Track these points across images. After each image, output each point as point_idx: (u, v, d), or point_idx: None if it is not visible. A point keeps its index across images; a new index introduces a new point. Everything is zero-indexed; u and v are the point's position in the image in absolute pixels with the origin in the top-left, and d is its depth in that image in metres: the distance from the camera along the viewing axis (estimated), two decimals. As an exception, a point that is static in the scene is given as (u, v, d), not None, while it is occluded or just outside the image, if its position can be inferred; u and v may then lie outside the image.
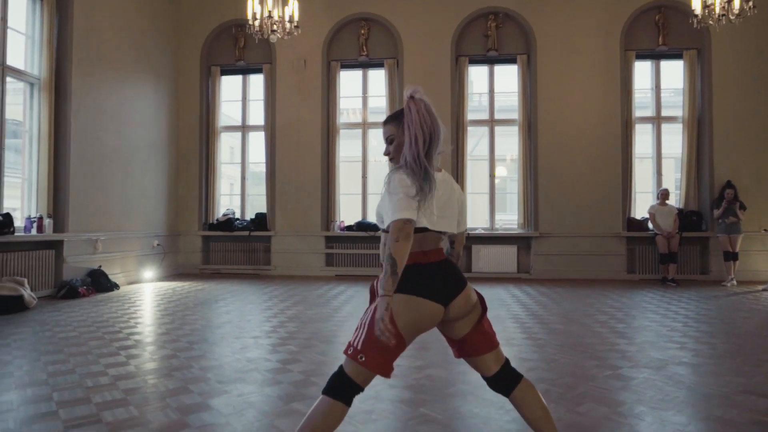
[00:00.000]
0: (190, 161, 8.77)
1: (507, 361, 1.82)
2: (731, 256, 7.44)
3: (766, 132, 7.82)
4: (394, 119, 1.83)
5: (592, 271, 8.03)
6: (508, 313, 5.08)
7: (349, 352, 1.67)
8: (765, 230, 7.68)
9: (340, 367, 1.69)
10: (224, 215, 8.79)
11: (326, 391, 1.67)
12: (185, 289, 6.73)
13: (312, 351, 3.58)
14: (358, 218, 8.67)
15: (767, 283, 6.95)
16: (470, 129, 8.56)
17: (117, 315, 4.92)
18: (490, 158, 8.60)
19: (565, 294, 6.38)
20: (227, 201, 9.53)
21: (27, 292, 5.26)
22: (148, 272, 7.71)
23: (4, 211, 5.58)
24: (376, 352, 1.63)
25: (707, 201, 7.92)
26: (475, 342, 1.78)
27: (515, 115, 8.46)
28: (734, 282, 7.34)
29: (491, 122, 8.59)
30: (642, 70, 8.42)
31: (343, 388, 1.66)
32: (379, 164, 9.02)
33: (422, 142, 1.71)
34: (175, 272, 8.54)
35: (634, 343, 3.80)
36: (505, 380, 1.78)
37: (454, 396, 2.64)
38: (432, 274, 1.70)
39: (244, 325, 4.47)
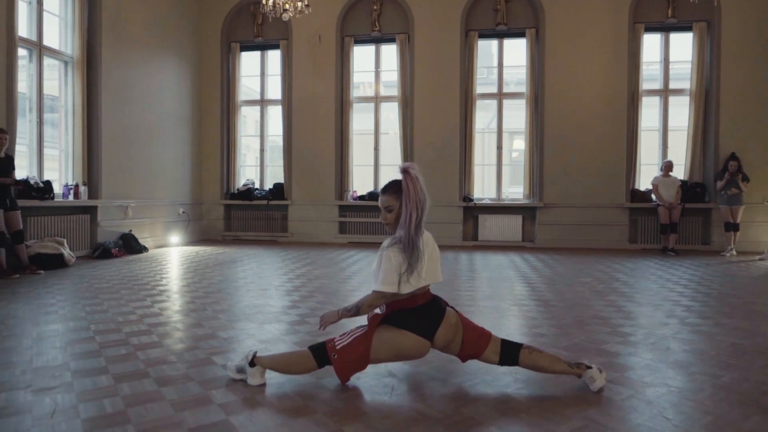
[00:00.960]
0: (212, 134, 9.29)
1: (503, 341, 2.21)
2: (732, 227, 7.60)
3: (773, 104, 7.85)
4: (394, 192, 2.15)
5: (594, 241, 8.30)
6: (515, 274, 5.46)
7: (329, 345, 2.16)
8: (767, 203, 7.79)
9: (328, 341, 2.17)
10: (244, 185, 9.32)
11: (311, 347, 2.20)
12: (207, 253, 7.31)
13: (311, 300, 4.06)
14: (370, 188, 9.09)
15: (764, 252, 7.13)
16: (479, 102, 8.80)
17: (145, 272, 5.50)
18: (498, 131, 8.85)
19: (566, 260, 6.70)
20: (247, 172, 10.05)
21: (66, 251, 5.89)
22: (174, 237, 8.33)
23: (45, 179, 6.19)
24: (345, 361, 2.13)
25: (711, 173, 8.04)
26: (472, 346, 2.19)
27: (523, 89, 8.66)
28: (734, 252, 7.52)
29: (500, 95, 8.81)
30: (651, 42, 8.47)
31: (321, 355, 2.16)
32: (391, 137, 9.36)
33: (415, 219, 2.08)
34: (199, 238, 9.16)
35: (633, 301, 4.15)
36: (509, 358, 2.18)
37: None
38: (419, 314, 2.16)
39: (257, 280, 4.98)
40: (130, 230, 7.32)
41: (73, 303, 3.88)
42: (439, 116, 8.65)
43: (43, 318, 3.39)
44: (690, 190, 8.05)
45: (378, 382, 2.27)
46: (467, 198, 8.64)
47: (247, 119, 10.07)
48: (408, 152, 8.77)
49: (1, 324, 3.22)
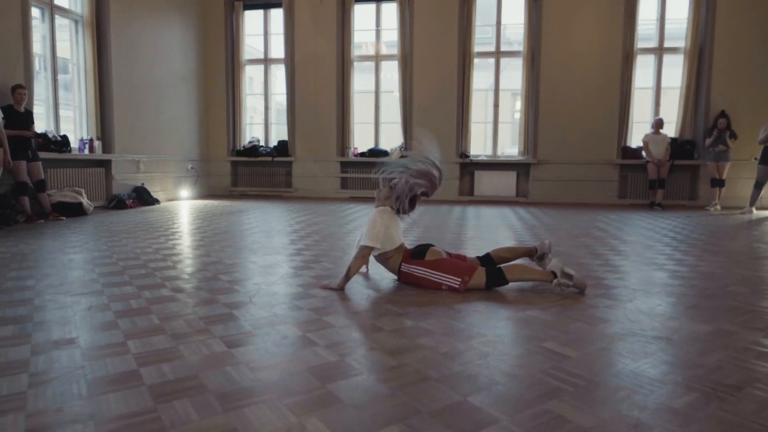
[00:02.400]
0: (218, 92, 9.59)
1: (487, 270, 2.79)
2: (717, 183, 7.89)
3: (764, 64, 7.98)
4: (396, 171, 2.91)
5: (585, 196, 8.63)
6: (504, 223, 5.86)
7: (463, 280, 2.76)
8: (755, 159, 8.03)
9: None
10: (249, 142, 9.68)
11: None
12: (215, 205, 7.74)
13: (309, 239, 4.49)
14: (371, 145, 9.41)
15: (745, 207, 7.43)
16: (477, 61, 8.99)
17: (159, 219, 5.95)
18: (495, 89, 9.07)
19: (557, 213, 7.07)
20: (253, 130, 10.38)
21: (85, 201, 6.34)
22: (184, 191, 8.77)
23: (62, 134, 6.59)
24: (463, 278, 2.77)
25: (702, 131, 8.26)
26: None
27: (520, 47, 8.82)
28: (718, 207, 7.84)
29: (497, 54, 8.99)
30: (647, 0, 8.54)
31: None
32: (390, 96, 9.61)
33: (402, 203, 2.86)
34: (207, 193, 9.61)
35: (624, 241, 4.54)
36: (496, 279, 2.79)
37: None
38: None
39: (261, 225, 5.41)
40: (143, 183, 7.75)
41: (96, 240, 4.33)
42: (437, 75, 8.87)
43: (71, 249, 3.85)
44: (680, 147, 8.30)
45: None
46: (464, 155, 8.95)
47: (252, 78, 10.33)
48: (407, 111, 9.04)
49: (33, 254, 3.68)
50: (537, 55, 8.60)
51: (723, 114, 7.89)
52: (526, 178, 8.90)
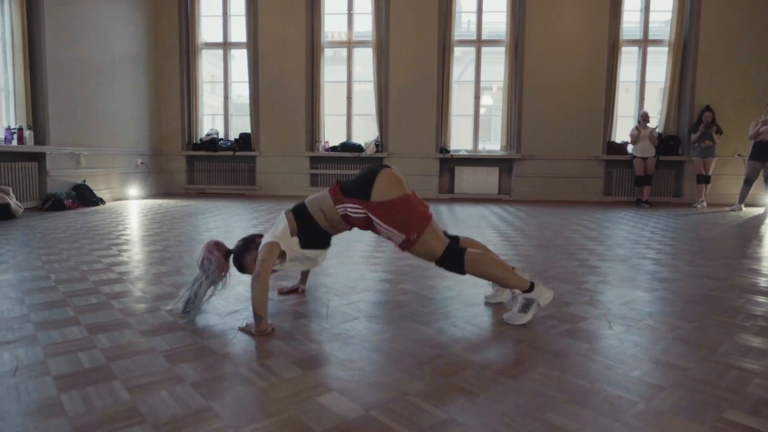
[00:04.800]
0: (171, 78, 8.58)
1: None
2: (703, 179, 7.69)
3: (748, 58, 7.86)
4: None
5: (570, 193, 8.27)
6: (488, 223, 5.30)
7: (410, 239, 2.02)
8: (739, 155, 7.91)
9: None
10: (207, 135, 8.73)
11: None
12: (171, 205, 6.81)
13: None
14: (343, 139, 8.69)
15: (735, 204, 7.26)
16: (457, 50, 8.44)
17: (106, 222, 5.02)
18: (475, 81, 8.55)
19: (543, 211, 6.61)
20: (210, 121, 9.41)
21: (13, 201, 5.31)
22: (133, 190, 7.75)
23: (-17, 121, 5.51)
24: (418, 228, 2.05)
25: (686, 126, 8.06)
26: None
27: (503, 36, 8.33)
28: (704, 204, 7.65)
29: (478, 43, 8.47)
30: (633, -10, 8.26)
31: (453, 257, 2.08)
32: (364, 86, 8.92)
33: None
34: (159, 191, 8.59)
35: (603, 244, 4.04)
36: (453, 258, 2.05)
37: (432, 277, 2.84)
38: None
39: (227, 227, 4.62)
40: (84, 181, 6.71)
41: (27, 253, 3.43)
42: (415, 64, 8.25)
43: (-8, 268, 2.96)
44: (664, 142, 8.07)
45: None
46: (444, 149, 8.39)
47: (209, 63, 9.35)
48: (383, 102, 8.37)
49: (-59, 275, 2.78)
50: (521, 45, 8.14)
51: (708, 108, 7.70)
52: (508, 175, 8.45)
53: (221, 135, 8.87)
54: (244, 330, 1.93)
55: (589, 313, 2.21)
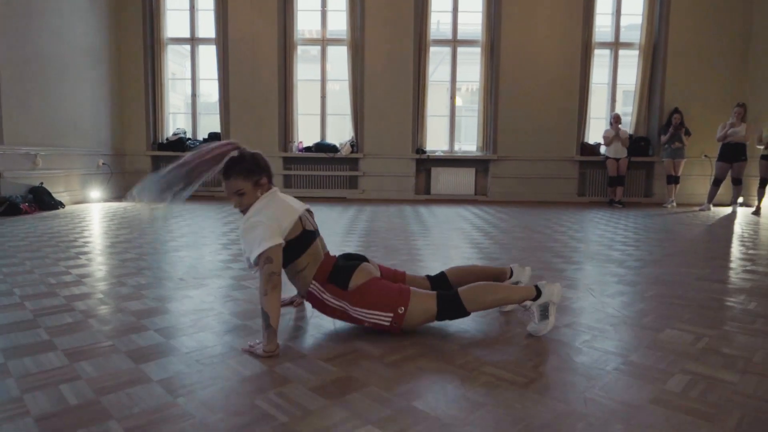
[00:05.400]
0: (134, 75, 8.15)
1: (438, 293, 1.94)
2: (673, 180, 7.87)
3: (716, 61, 8.09)
4: (241, 173, 1.88)
5: (545, 194, 8.31)
6: (466, 223, 5.21)
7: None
8: (706, 156, 8.13)
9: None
10: (174, 134, 8.34)
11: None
12: (136, 209, 6.43)
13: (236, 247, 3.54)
14: (317, 139, 8.48)
15: (704, 204, 7.45)
16: (433, 49, 8.35)
17: (69, 228, 4.66)
18: (451, 80, 8.49)
19: (520, 212, 6.59)
20: (177, 120, 9.00)
21: (-38, 206, 4.87)
22: (95, 192, 7.31)
23: (-74, 118, 5.03)
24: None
25: (656, 128, 8.23)
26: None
27: (479, 37, 8.29)
28: (674, 204, 7.83)
29: (454, 43, 8.41)
30: (604, -7, 8.38)
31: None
32: (339, 84, 8.72)
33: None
34: (123, 193, 8.13)
35: (582, 241, 4.01)
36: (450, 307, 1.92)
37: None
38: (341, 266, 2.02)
39: (201, 231, 4.35)
40: (42, 183, 6.26)
41: (-17, 264, 3.10)
42: (391, 63, 8.12)
43: (-56, 283, 2.63)
44: (635, 144, 8.21)
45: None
46: (420, 150, 8.29)
47: (173, 63, 8.94)
48: (358, 102, 8.20)
49: None
50: (496, 45, 8.13)
51: (677, 110, 7.88)
52: (485, 176, 8.42)
53: (189, 134, 8.50)
54: (250, 351, 1.73)
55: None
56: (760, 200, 6.95)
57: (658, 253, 3.79)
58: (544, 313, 1.94)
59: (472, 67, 8.53)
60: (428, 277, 2.20)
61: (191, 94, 8.50)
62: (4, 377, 1.52)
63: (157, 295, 2.47)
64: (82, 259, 3.29)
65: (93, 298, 2.38)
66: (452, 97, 8.52)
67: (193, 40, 8.40)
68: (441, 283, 2.15)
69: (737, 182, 7.23)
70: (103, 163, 7.57)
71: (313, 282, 1.91)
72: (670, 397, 1.45)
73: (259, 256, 1.75)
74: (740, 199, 7.41)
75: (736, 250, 4.02)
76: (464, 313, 1.91)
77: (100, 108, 7.60)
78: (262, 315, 1.71)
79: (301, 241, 1.89)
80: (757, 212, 6.90)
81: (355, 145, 8.26)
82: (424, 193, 8.38)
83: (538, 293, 1.94)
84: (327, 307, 1.92)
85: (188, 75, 8.57)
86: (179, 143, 8.19)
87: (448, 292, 1.92)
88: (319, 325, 2.06)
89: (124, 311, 2.19)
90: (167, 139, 8.32)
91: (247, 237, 1.81)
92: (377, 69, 8.11)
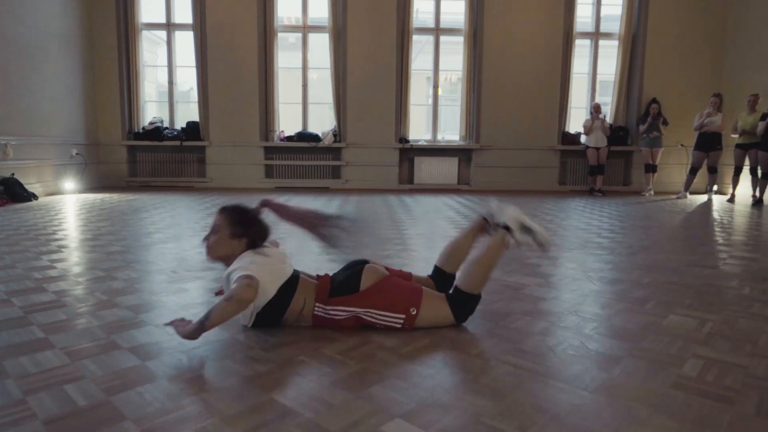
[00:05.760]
0: (108, 61, 7.86)
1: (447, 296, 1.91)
2: (651, 168, 8.03)
3: (693, 52, 8.25)
4: (231, 219, 1.86)
5: (527, 183, 8.39)
6: (453, 212, 5.21)
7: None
8: (682, 145, 8.31)
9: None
10: (151, 123, 8.10)
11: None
12: (115, 200, 6.24)
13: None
14: (299, 128, 8.35)
15: (681, 192, 7.63)
16: (415, 38, 8.28)
17: (46, 220, 4.48)
18: (434, 70, 8.45)
19: (503, 200, 6.62)
20: (153, 108, 8.74)
21: (-71, 198, 4.63)
22: (69, 183, 7.06)
23: None
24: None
25: (635, 118, 8.36)
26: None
27: (461, 25, 8.26)
28: (652, 192, 7.99)
29: (436, 31, 8.36)
30: (585, -17, 8.43)
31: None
32: (321, 72, 8.59)
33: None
34: (98, 184, 7.90)
35: (569, 229, 4.05)
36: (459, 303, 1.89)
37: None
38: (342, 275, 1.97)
39: (187, 222, 4.24)
40: (13, 174, 6.00)
41: (-41, 259, 2.95)
42: (374, 51, 8.03)
43: None
44: (614, 133, 8.33)
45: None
46: (403, 139, 8.25)
47: (149, 48, 8.66)
48: (340, 90, 8.10)
49: None
50: (479, 34, 8.11)
51: (655, 100, 8.02)
52: (467, 165, 8.44)
53: (166, 123, 8.27)
54: (172, 324, 1.66)
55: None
56: (734, 188, 7.15)
57: (646, 240, 3.85)
58: (528, 230, 1.94)
59: (454, 56, 8.51)
60: (429, 276, 2.11)
61: (168, 81, 8.26)
62: (1, 378, 1.44)
63: (151, 288, 2.38)
64: (64, 252, 3.16)
65: (84, 293, 2.28)
66: (435, 87, 8.48)
67: (169, 26, 8.14)
68: (439, 276, 2.09)
69: (713, 171, 7.41)
70: (76, 153, 7.30)
71: (316, 306, 1.83)
72: (688, 382, 1.46)
73: (240, 277, 1.63)
74: (714, 187, 7.61)
75: (719, 236, 4.12)
76: (477, 299, 1.89)
77: (73, 96, 7.32)
78: (208, 312, 1.59)
79: (292, 283, 1.81)
80: (731, 200, 7.10)
81: (337, 134, 8.16)
82: (408, 183, 8.36)
83: (508, 228, 1.93)
84: (337, 322, 1.83)
85: (162, 63, 8.31)
86: (156, 132, 7.97)
87: (453, 294, 1.88)
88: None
89: (120, 306, 2.11)
90: (143, 128, 8.08)
91: (231, 277, 1.69)
92: (360, 57, 8.02)
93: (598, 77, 8.60)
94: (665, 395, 1.38)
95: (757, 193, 6.80)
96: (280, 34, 8.20)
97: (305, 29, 8.22)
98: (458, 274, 1.93)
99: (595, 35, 8.49)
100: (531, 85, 8.20)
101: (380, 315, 1.81)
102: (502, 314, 2.06)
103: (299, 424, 1.21)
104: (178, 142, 7.97)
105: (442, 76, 8.59)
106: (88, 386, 1.39)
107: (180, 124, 8.28)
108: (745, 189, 7.18)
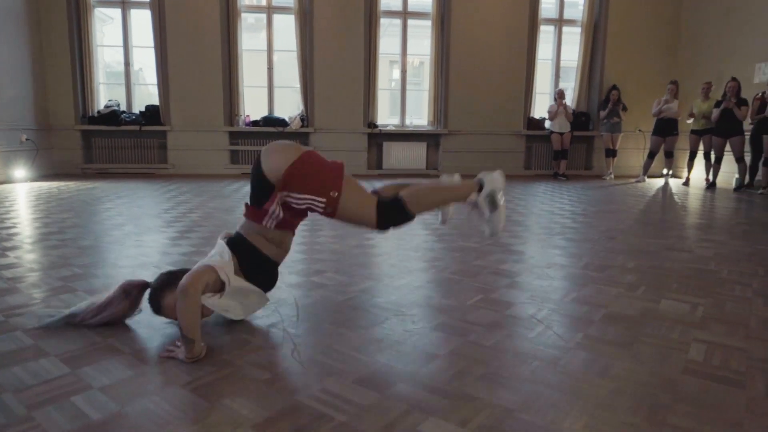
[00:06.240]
0: (58, 39, 7.37)
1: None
2: (611, 153, 8.30)
3: (651, 40, 8.51)
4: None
5: (493, 167, 8.44)
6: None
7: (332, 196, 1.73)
8: (640, 130, 8.62)
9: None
10: (107, 107, 7.69)
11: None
12: (71, 189, 5.91)
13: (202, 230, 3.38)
14: (265, 113, 8.13)
15: (639, 176, 7.93)
16: (383, 20, 8.17)
17: (0, 212, 4.19)
18: (402, 53, 8.38)
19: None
20: (108, 91, 8.28)
21: None
22: (19, 171, 6.63)
23: None
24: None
25: (596, 103, 8.59)
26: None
27: (429, 9, 8.20)
28: (612, 176, 8.27)
29: (404, 15, 8.27)
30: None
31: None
32: (287, 55, 8.35)
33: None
34: (51, 172, 7.45)
35: (542, 215, 4.14)
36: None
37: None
38: None
39: (158, 210, 4.07)
40: (-44, 161, 5.58)
41: None
42: (341, 34, 7.87)
43: None
44: (576, 118, 8.54)
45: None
46: (372, 124, 8.17)
47: (99, 24, 8.17)
48: (307, 73, 7.91)
49: None
50: (447, 18, 8.08)
51: (615, 87, 8.25)
52: (436, 150, 8.47)
53: (123, 107, 7.86)
54: (169, 356, 1.53)
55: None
56: (689, 172, 7.49)
57: (619, 224, 3.98)
58: (493, 204, 1.90)
59: (420, 40, 8.46)
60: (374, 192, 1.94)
61: (124, 63, 7.83)
62: (-3, 391, 1.33)
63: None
64: (30, 247, 2.96)
65: (66, 293, 2.15)
66: (403, 71, 8.42)
67: (124, 3, 7.69)
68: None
69: (669, 155, 7.74)
70: (26, 139, 6.85)
71: (264, 223, 1.72)
72: (697, 367, 1.52)
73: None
74: (669, 171, 7.95)
75: (684, 220, 4.30)
76: (409, 217, 1.78)
77: (20, 76, 6.83)
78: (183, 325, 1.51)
79: (239, 242, 1.76)
80: (686, 183, 7.44)
81: (305, 119, 8.00)
82: (377, 168, 8.31)
83: (481, 186, 1.91)
84: (288, 221, 1.75)
85: (111, 42, 7.86)
86: (113, 116, 7.57)
87: (390, 201, 1.76)
88: (333, 318, 1.98)
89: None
90: (98, 111, 7.65)
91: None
92: (327, 39, 7.85)
93: (562, 63, 8.77)
94: (679, 381, 1.43)
95: (710, 177, 7.15)
96: (243, 14, 7.91)
97: (270, 10, 7.96)
98: (407, 189, 1.83)
99: (559, 21, 8.63)
100: (497, 70, 8.27)
101: (302, 197, 1.69)
102: (506, 304, 2.08)
103: (333, 428, 1.18)
104: (137, 127, 7.61)
105: (407, 61, 8.52)
106: (97, 397, 1.31)
107: (138, 107, 7.89)
108: (698, 173, 7.54)
